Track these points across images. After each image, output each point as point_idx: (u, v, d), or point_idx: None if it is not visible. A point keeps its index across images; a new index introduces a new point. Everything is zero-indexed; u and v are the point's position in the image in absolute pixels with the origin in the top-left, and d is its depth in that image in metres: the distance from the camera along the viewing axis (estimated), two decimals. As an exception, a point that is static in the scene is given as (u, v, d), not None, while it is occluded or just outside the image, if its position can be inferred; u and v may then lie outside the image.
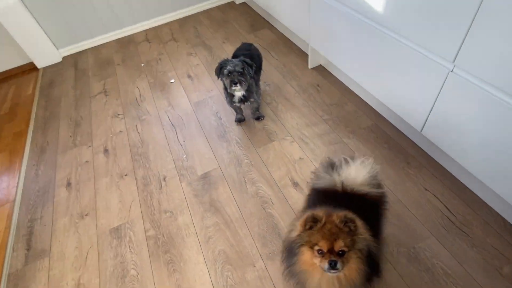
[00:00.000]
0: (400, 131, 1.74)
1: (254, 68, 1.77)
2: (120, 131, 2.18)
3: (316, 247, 0.90)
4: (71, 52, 3.17)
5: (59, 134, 2.28)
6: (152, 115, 2.24)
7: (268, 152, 1.81)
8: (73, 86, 2.72)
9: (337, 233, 0.88)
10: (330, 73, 2.21)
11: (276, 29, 2.80)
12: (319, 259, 0.90)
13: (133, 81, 2.61)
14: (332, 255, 0.88)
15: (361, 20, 1.53)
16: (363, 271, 0.91)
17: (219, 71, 1.79)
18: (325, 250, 0.89)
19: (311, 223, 0.91)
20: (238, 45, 2.11)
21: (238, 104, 1.91)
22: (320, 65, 2.28)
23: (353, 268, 0.91)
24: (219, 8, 3.35)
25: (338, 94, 2.06)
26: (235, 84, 1.72)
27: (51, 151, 2.16)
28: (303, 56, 2.42)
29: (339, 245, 0.88)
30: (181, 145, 1.98)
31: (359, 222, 0.92)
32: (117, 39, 3.24)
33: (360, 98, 1.99)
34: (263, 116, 2.01)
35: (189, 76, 2.51)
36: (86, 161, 2.02)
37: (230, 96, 1.87)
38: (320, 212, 0.92)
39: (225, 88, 1.85)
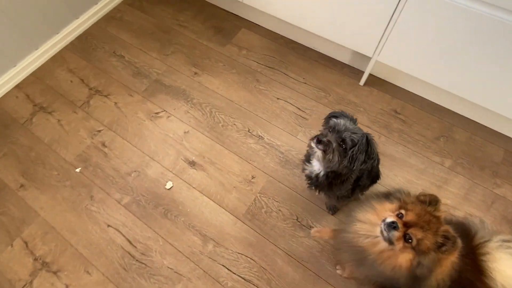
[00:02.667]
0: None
1: (366, 163, 0.93)
2: None
3: (402, 210, 0.79)
4: None
5: None
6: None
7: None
8: None
9: (428, 231, 0.75)
10: (397, 86, 1.60)
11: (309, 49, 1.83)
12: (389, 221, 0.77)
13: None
14: (405, 226, 0.76)
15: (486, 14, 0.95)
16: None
17: (328, 119, 1.01)
18: (405, 218, 0.77)
19: (428, 199, 0.79)
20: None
21: (308, 174, 1.15)
22: (370, 75, 1.61)
23: (398, 260, 0.77)
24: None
25: (431, 118, 1.51)
26: (319, 142, 0.92)
27: None
28: (350, 73, 1.67)
29: (417, 234, 0.75)
30: None
31: (453, 255, 0.76)
32: None
33: (460, 115, 1.51)
34: (337, 209, 1.32)
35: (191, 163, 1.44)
36: None
37: (306, 155, 1.11)
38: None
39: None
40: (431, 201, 0.77)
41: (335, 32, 1.46)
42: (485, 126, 1.48)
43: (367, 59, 1.52)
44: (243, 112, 1.57)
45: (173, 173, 1.42)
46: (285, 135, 1.50)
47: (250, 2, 1.63)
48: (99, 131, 1.54)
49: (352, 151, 0.87)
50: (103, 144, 1.50)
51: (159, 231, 1.29)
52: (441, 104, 1.55)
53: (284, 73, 1.68)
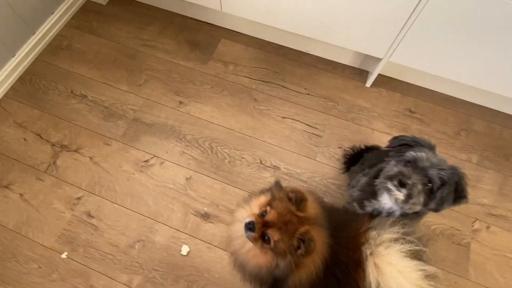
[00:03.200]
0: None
1: (456, 203, 0.78)
2: None
3: (268, 208, 0.75)
4: None
5: None
6: None
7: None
8: None
9: (285, 233, 0.71)
10: (405, 82, 1.47)
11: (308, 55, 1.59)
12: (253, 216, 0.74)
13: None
14: (264, 226, 0.72)
15: None
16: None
17: (398, 145, 0.85)
18: (267, 217, 0.73)
19: (294, 197, 0.74)
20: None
21: (369, 209, 1.02)
22: (381, 76, 1.47)
23: (260, 259, 0.75)
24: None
25: (446, 112, 1.42)
26: (402, 186, 0.76)
27: None
28: (353, 75, 1.50)
29: (274, 234, 0.71)
30: None
31: (312, 257, 0.73)
32: None
33: (473, 103, 1.43)
34: None
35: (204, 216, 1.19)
36: None
37: (368, 188, 0.92)
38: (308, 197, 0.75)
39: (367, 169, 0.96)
40: (297, 200, 0.74)
41: (340, 36, 1.28)
42: (501, 112, 1.43)
43: (373, 58, 1.37)
44: (249, 141, 1.36)
45: (186, 234, 1.18)
46: (303, 160, 1.32)
47: (231, 10, 1.38)
48: (79, 198, 1.23)
49: (442, 192, 0.73)
50: (89, 215, 1.21)
51: (187, 310, 1.08)
52: (452, 95, 1.46)
53: (283, 86, 1.48)
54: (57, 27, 1.59)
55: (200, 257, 1.15)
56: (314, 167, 1.31)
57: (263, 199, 0.78)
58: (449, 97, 1.47)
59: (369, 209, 0.90)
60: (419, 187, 0.73)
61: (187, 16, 1.67)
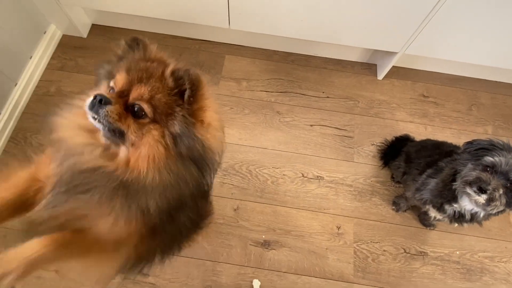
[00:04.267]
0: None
1: None
2: None
3: (111, 82, 0.57)
4: None
5: None
6: None
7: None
8: None
9: (150, 79, 0.55)
10: (413, 69, 1.53)
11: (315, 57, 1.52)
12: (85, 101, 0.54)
13: None
14: (120, 100, 0.54)
15: None
16: (166, 173, 0.54)
17: (475, 150, 0.85)
18: (116, 88, 0.55)
19: (130, 45, 0.61)
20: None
21: (431, 218, 1.08)
22: (393, 67, 1.50)
23: (145, 152, 0.54)
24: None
25: (456, 91, 1.50)
26: (482, 191, 0.79)
27: None
28: (363, 70, 1.52)
29: (140, 92, 0.53)
30: None
31: (208, 93, 0.57)
32: None
33: (476, 78, 1.52)
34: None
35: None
36: None
37: (445, 191, 0.92)
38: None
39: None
40: (137, 45, 0.60)
41: (355, 36, 1.28)
42: (501, 82, 1.55)
43: (383, 52, 1.41)
44: (285, 156, 1.33)
45: (252, 267, 1.13)
46: (342, 164, 1.32)
47: (240, 26, 1.31)
48: (125, 258, 1.12)
49: None
50: (142, 273, 1.10)
51: None
52: (456, 74, 1.55)
53: (301, 94, 1.46)
54: (38, 71, 1.39)
55: (273, 287, 1.11)
56: (354, 169, 1.32)
57: (95, 91, 0.57)
58: (454, 76, 1.55)
59: (450, 211, 0.92)
60: (501, 191, 0.76)
61: (181, 37, 1.56)
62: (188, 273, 1.11)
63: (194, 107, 0.56)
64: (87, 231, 0.59)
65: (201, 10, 1.26)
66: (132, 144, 0.54)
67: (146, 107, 0.53)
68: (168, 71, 0.56)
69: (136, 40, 0.62)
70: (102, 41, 1.53)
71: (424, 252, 1.19)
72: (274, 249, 1.16)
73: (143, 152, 0.54)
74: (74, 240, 0.58)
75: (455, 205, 0.90)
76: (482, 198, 0.80)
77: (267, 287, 1.11)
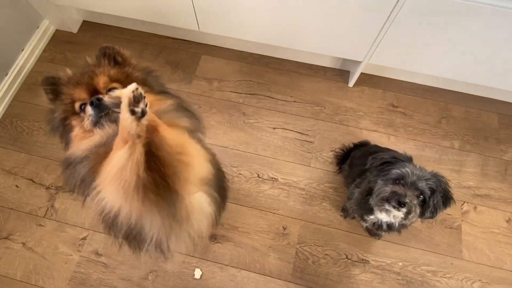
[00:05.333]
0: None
1: (447, 205, 0.84)
2: None
3: (77, 104, 0.66)
4: None
5: None
6: None
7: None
8: None
9: (96, 72, 0.68)
10: (385, 78, 1.53)
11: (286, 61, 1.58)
12: (85, 117, 0.64)
13: None
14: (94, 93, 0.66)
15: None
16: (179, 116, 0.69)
17: (380, 165, 0.88)
18: (87, 98, 0.65)
19: (52, 87, 0.71)
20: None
21: (370, 222, 1.09)
22: (362, 74, 1.51)
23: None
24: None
25: (426, 102, 1.49)
26: (401, 205, 0.80)
27: None
28: (335, 76, 1.54)
29: (103, 81, 0.66)
30: None
31: (127, 52, 0.73)
32: None
33: (450, 91, 1.50)
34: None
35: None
36: None
37: (363, 204, 0.96)
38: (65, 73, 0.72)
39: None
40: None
41: (318, 44, 1.31)
42: (476, 96, 1.51)
43: (352, 61, 1.42)
44: (244, 157, 1.38)
45: (197, 257, 1.21)
46: (299, 168, 1.36)
47: (209, 29, 1.38)
48: (84, 238, 1.23)
49: (433, 201, 0.79)
50: (97, 253, 1.21)
51: (209, 331, 1.12)
52: (430, 85, 1.53)
53: (269, 97, 1.51)
54: (29, 63, 1.54)
55: (213, 278, 1.19)
56: (310, 174, 1.36)
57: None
58: (427, 87, 1.54)
59: (369, 222, 0.95)
60: (415, 202, 0.79)
61: (163, 36, 1.65)
62: (138, 257, 1.21)
63: (128, 60, 0.72)
64: None
65: (168, 12, 1.33)
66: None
67: (115, 85, 0.67)
68: (94, 58, 0.70)
69: (52, 78, 0.72)
70: (90, 37, 1.64)
71: (365, 260, 1.21)
72: (219, 243, 1.24)
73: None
74: None
75: (372, 217, 0.92)
76: (402, 212, 0.82)
77: (208, 278, 1.19)
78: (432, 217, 0.82)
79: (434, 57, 1.21)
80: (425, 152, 1.40)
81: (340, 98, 1.51)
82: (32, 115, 1.46)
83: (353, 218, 1.27)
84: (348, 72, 1.56)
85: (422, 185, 0.78)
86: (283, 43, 1.35)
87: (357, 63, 1.41)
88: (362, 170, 1.01)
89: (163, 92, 0.73)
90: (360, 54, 1.30)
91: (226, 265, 1.20)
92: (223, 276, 1.19)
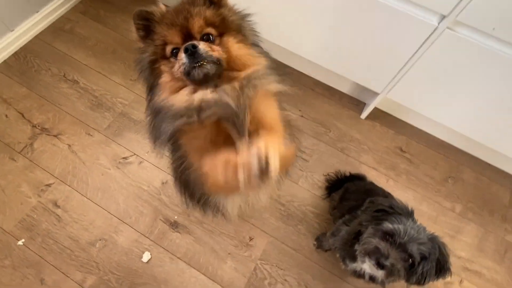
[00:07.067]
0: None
1: (439, 276, 0.74)
2: None
3: (168, 48, 0.63)
4: None
5: None
6: None
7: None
8: None
9: (191, 12, 0.62)
10: (401, 120, 1.45)
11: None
12: (177, 63, 0.60)
13: None
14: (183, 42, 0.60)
15: None
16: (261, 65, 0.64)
17: (376, 211, 0.80)
18: (180, 43, 0.61)
19: (144, 22, 0.64)
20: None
21: (351, 268, 0.97)
22: (377, 109, 1.45)
23: (238, 55, 0.62)
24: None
25: (437, 156, 1.39)
26: (380, 267, 0.71)
27: None
28: (349, 104, 1.48)
29: (198, 24, 0.61)
30: None
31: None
32: None
33: (466, 153, 1.40)
34: None
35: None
36: None
37: (348, 247, 0.86)
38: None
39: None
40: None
41: (341, 64, 1.27)
42: (492, 165, 1.41)
43: (370, 91, 1.36)
44: (233, 154, 1.33)
45: (151, 240, 1.13)
46: (285, 183, 1.28)
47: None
48: (49, 185, 1.19)
49: (422, 268, 0.69)
50: (55, 204, 1.16)
51: (137, 321, 1.02)
52: (446, 141, 1.44)
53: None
54: (63, 9, 1.58)
55: (160, 267, 1.10)
56: (294, 191, 1.27)
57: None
58: (443, 142, 1.45)
59: (350, 268, 0.85)
60: (399, 265, 0.69)
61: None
62: (93, 220, 1.15)
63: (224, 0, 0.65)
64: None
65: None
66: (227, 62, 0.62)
67: (210, 30, 0.62)
68: None
69: (146, 13, 0.65)
70: (127, 2, 1.68)
71: (326, 300, 1.10)
72: (179, 232, 1.16)
73: (237, 58, 0.62)
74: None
75: (354, 264, 0.82)
76: (380, 273, 0.74)
77: (155, 265, 1.10)
78: (419, 284, 0.71)
79: (450, 106, 1.14)
80: (422, 206, 1.29)
81: (349, 126, 1.44)
82: (47, 55, 1.48)
83: (326, 251, 1.17)
84: (364, 104, 1.50)
85: (413, 249, 0.68)
86: (306, 53, 1.32)
87: (375, 95, 1.35)
88: (353, 206, 0.92)
89: (255, 45, 0.68)
90: (380, 86, 1.24)
91: (178, 257, 1.12)
92: (171, 268, 1.10)
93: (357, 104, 1.50)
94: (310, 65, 1.49)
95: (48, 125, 1.31)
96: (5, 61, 1.43)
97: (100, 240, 1.12)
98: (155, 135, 0.65)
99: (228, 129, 0.61)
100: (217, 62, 0.60)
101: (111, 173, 1.24)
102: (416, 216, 1.24)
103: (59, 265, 1.07)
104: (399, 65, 1.11)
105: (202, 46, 0.58)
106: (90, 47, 1.51)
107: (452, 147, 1.44)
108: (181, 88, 0.62)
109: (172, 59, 0.63)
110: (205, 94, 0.60)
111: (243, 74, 0.62)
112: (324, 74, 1.51)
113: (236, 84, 0.60)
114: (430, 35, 0.96)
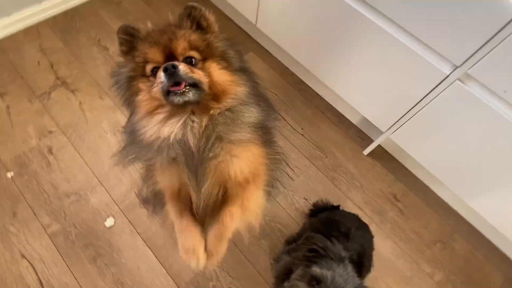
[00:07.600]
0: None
1: None
2: None
3: (149, 66, 0.63)
4: None
5: None
6: None
7: None
8: None
9: (176, 34, 0.62)
10: (406, 168, 1.37)
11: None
12: (156, 83, 0.60)
13: None
14: (169, 59, 0.61)
15: None
16: (242, 89, 0.63)
17: (309, 250, 0.77)
18: (161, 62, 0.61)
19: (127, 37, 0.66)
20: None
21: None
22: (382, 149, 1.39)
23: (221, 85, 0.62)
24: None
25: (432, 215, 1.29)
26: None
27: None
28: (355, 136, 1.43)
29: (182, 46, 0.61)
30: None
31: (212, 17, 0.68)
32: None
33: (465, 220, 1.29)
34: None
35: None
36: None
37: (279, 282, 0.82)
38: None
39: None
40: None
41: (351, 93, 1.24)
42: (491, 242, 1.27)
43: (377, 129, 1.31)
44: (223, 152, 1.34)
45: (119, 208, 1.18)
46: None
47: (264, 28, 1.40)
48: (51, 132, 1.29)
49: None
50: (50, 150, 1.26)
51: (80, 278, 1.06)
52: (447, 202, 1.33)
53: (282, 118, 1.46)
54: (118, -17, 1.73)
55: (118, 236, 1.13)
56: (270, 205, 1.24)
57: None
58: (443, 202, 1.34)
59: None
60: None
61: (232, 20, 1.71)
62: (76, 175, 1.22)
63: (212, 26, 0.66)
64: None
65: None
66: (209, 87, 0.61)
67: (193, 54, 0.62)
68: (176, 17, 0.65)
69: (131, 29, 0.68)
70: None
71: (264, 322, 1.05)
72: (147, 210, 1.18)
73: (218, 83, 0.61)
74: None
75: None
76: None
77: (115, 233, 1.14)
78: None
79: (459, 167, 1.05)
80: (398, 262, 1.20)
81: (348, 158, 1.39)
82: (92, 21, 1.61)
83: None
84: (371, 140, 1.44)
85: None
86: (318, 72, 1.31)
87: (380, 133, 1.29)
88: (306, 238, 0.89)
89: (241, 69, 0.66)
90: (385, 124, 1.19)
91: (138, 232, 1.14)
92: (128, 241, 1.13)
93: (364, 139, 1.45)
94: (327, 88, 1.47)
95: (69, 80, 1.43)
96: (54, 16, 1.59)
97: (75, 194, 1.18)
98: (125, 154, 0.67)
99: (183, 176, 0.62)
100: (197, 85, 0.58)
101: (107, 138, 1.31)
102: (389, 271, 1.17)
103: (33, 205, 1.15)
104: (407, 107, 1.05)
105: (183, 67, 0.57)
106: (129, 21, 1.62)
107: (451, 210, 1.32)
108: (157, 107, 0.61)
109: (151, 78, 0.62)
110: (174, 126, 0.59)
111: (220, 106, 0.60)
112: (338, 101, 1.48)
113: (206, 120, 0.59)
114: (440, 83, 0.91)
